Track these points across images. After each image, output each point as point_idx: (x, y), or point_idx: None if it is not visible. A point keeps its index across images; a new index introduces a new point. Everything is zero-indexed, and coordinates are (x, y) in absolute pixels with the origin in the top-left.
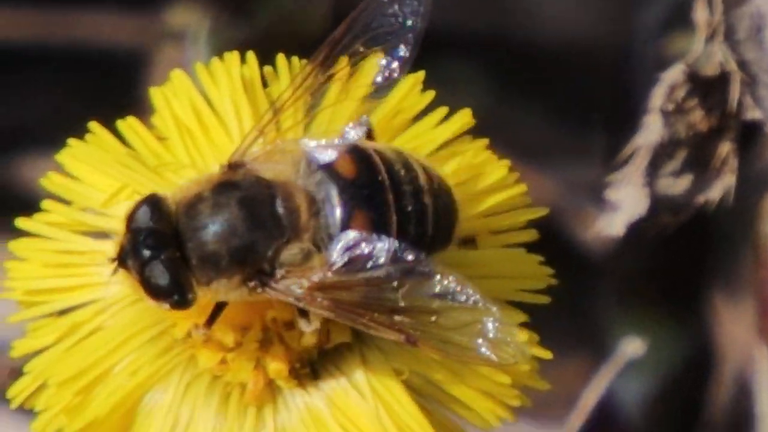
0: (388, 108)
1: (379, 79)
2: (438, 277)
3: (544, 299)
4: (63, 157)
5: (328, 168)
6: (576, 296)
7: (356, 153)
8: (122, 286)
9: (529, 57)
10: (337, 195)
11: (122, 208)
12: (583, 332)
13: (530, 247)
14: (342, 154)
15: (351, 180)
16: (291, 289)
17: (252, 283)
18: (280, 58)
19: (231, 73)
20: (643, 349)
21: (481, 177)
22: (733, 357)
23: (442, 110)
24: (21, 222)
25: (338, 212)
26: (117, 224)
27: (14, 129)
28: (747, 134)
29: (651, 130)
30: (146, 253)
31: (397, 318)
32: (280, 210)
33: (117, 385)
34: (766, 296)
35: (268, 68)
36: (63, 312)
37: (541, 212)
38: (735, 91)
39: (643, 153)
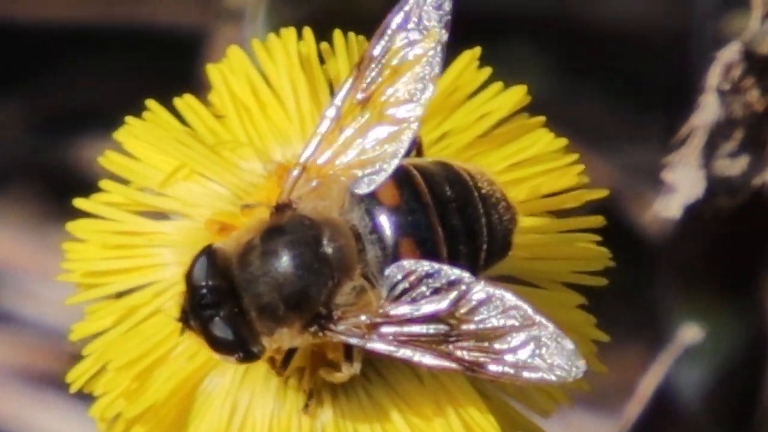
0: (444, 85)
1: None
2: (493, 298)
3: (602, 281)
4: (121, 135)
5: (371, 198)
6: (633, 280)
7: (399, 177)
8: (180, 267)
9: (589, 38)
10: (381, 225)
11: (180, 187)
12: (641, 317)
13: (588, 229)
14: (384, 180)
15: (394, 207)
16: (351, 330)
17: (312, 329)
18: (337, 34)
19: (288, 50)
20: (702, 335)
21: (538, 156)
22: None
23: (497, 85)
24: (79, 202)
25: (384, 243)
26: (175, 204)
27: (75, 109)
28: None
29: (707, 110)
30: (206, 312)
31: (453, 348)
32: (327, 250)
33: (176, 369)
34: None
35: (324, 45)
36: (121, 294)
37: (600, 193)
38: None
39: (699, 133)
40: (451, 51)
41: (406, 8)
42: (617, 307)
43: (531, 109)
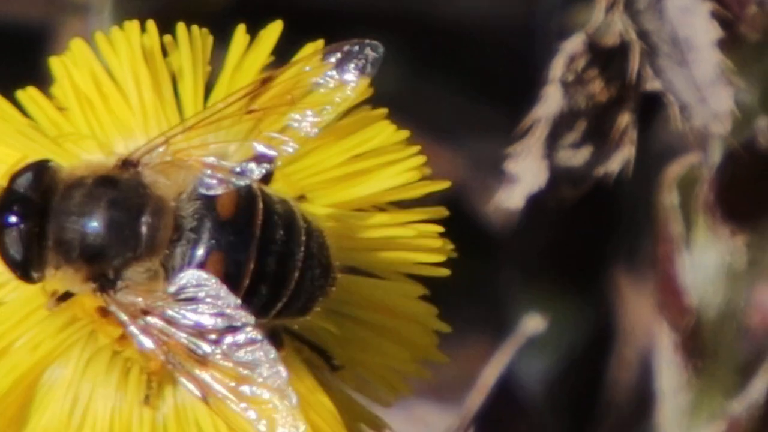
0: (285, 78)
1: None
2: (260, 346)
3: (444, 272)
4: None
5: (208, 201)
6: (477, 271)
7: (243, 195)
8: None
9: (435, 34)
10: (203, 231)
11: None
12: (485, 309)
13: (431, 221)
14: (228, 190)
15: (224, 220)
16: (125, 305)
17: (93, 285)
18: (180, 27)
19: (131, 42)
20: (545, 325)
21: (380, 148)
22: (634, 333)
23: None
24: None
25: (197, 249)
26: None
27: None
28: (646, 106)
29: (550, 101)
30: (10, 218)
31: (201, 371)
32: (143, 225)
33: (17, 360)
34: (666, 271)
35: (168, 37)
36: None
37: (442, 185)
38: (635, 61)
39: (542, 124)
40: (294, 45)
41: (337, 54)
42: (460, 298)
43: (376, 104)
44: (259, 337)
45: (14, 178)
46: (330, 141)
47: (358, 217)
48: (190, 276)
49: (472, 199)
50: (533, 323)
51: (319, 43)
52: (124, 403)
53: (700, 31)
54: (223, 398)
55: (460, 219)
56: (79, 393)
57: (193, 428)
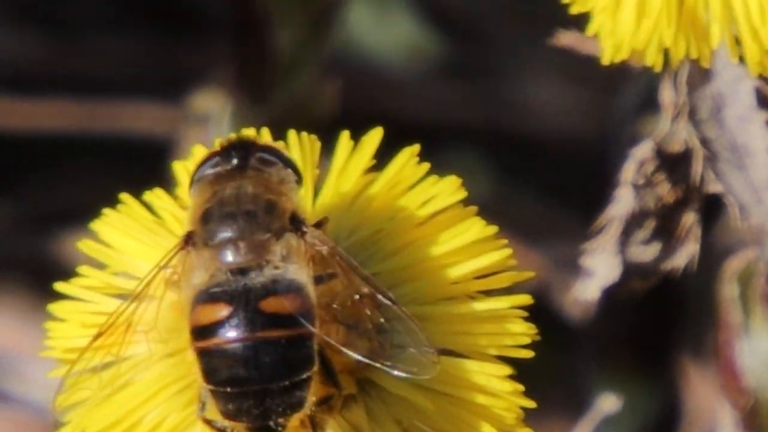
0: (385, 180)
1: None
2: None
3: (529, 354)
4: (97, 225)
5: None
6: (558, 358)
7: None
8: (151, 344)
9: (519, 145)
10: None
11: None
12: (564, 390)
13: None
14: None
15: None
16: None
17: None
18: (292, 133)
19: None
20: (619, 405)
21: (472, 242)
22: (700, 413)
23: (433, 179)
24: (59, 286)
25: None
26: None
27: (59, 208)
28: (709, 206)
29: (623, 202)
30: None
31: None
32: None
33: None
34: (726, 356)
35: (280, 143)
36: (98, 368)
37: (527, 275)
38: (698, 166)
39: (615, 223)
40: (390, 153)
41: None
42: (543, 381)
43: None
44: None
45: None
46: (425, 235)
47: (451, 304)
48: None
49: (553, 294)
50: (608, 403)
51: (415, 148)
52: None
53: (757, 138)
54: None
55: (544, 312)
56: None
57: None
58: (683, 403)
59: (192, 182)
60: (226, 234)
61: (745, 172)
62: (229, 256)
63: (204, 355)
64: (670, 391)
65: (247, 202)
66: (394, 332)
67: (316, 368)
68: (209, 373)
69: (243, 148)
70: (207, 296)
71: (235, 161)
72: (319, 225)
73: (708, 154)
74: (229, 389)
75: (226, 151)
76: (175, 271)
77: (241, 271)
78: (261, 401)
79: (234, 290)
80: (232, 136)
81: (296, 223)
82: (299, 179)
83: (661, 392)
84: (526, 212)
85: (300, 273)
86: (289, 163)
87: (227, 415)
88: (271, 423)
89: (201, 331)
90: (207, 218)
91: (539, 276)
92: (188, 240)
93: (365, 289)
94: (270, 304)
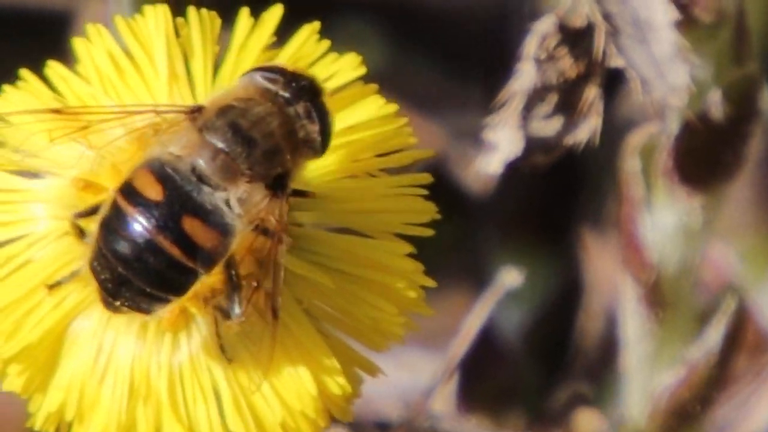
0: (285, 57)
1: None
2: None
3: (429, 232)
4: None
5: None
6: (458, 232)
7: None
8: (50, 221)
9: (418, 15)
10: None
11: (51, 149)
12: (465, 265)
13: (416, 186)
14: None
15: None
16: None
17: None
18: (191, 10)
19: (147, 25)
20: (521, 279)
21: (371, 120)
22: (600, 287)
23: (334, 56)
24: None
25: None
26: (46, 164)
27: None
28: (611, 81)
29: (525, 77)
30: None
31: None
32: None
33: (45, 314)
34: (628, 230)
35: (180, 20)
36: None
37: (427, 153)
38: (600, 40)
39: (517, 97)
40: (289, 26)
41: None
42: (444, 256)
43: (365, 80)
44: None
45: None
46: None
47: (351, 182)
48: None
49: (453, 166)
50: (510, 277)
51: (316, 25)
52: (143, 350)
53: (659, 13)
54: None
55: (443, 185)
56: (102, 342)
57: (206, 374)
58: (584, 278)
59: (247, 72)
60: (219, 141)
61: (647, 47)
62: (203, 159)
63: (116, 210)
64: (570, 265)
65: (260, 132)
66: None
67: (179, 300)
68: (106, 225)
69: (307, 91)
70: (159, 169)
71: (287, 95)
72: (304, 195)
73: (610, 29)
74: (104, 251)
75: (292, 80)
76: (151, 128)
77: (200, 178)
78: (118, 284)
79: (179, 187)
80: (314, 72)
81: (279, 185)
82: (319, 152)
83: (563, 266)
84: (424, 84)
85: (238, 222)
86: (325, 134)
87: (89, 267)
88: (111, 304)
89: (129, 191)
90: (222, 114)
91: (437, 148)
92: (195, 111)
93: (267, 285)
94: (190, 225)
